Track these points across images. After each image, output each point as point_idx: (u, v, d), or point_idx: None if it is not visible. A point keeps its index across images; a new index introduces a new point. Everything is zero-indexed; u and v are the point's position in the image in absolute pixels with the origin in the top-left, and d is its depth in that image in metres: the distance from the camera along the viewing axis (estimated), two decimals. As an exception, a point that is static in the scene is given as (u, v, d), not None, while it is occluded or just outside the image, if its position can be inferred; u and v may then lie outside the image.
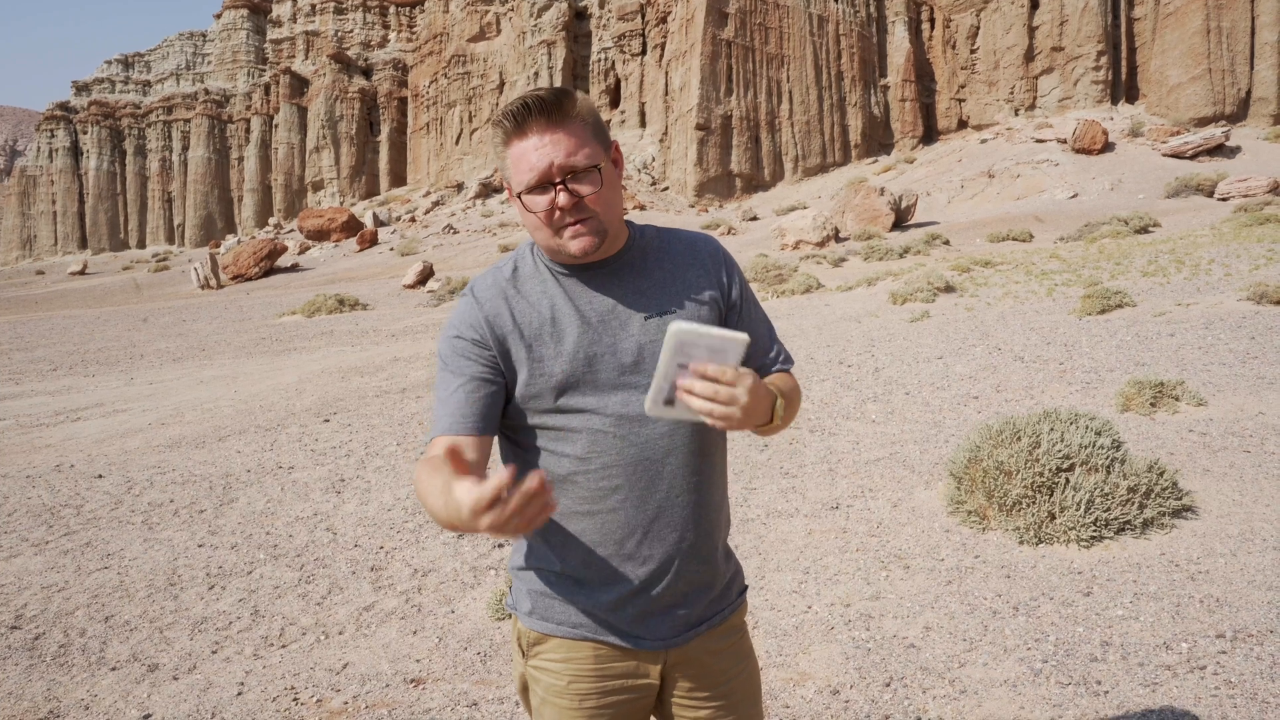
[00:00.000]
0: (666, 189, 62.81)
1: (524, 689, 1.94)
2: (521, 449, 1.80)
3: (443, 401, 1.74)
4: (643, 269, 1.81)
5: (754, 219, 51.41)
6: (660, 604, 1.79)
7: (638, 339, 1.74)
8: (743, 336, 1.50)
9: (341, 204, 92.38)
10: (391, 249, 55.52)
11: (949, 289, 16.79)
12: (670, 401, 1.52)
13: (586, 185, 1.66)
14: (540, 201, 1.65)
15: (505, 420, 1.80)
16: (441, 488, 1.50)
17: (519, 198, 1.68)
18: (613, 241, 1.76)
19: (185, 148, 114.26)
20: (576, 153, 1.64)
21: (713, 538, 1.84)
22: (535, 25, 75.22)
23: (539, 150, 1.63)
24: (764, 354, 1.93)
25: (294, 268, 52.69)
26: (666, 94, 65.43)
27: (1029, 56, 61.25)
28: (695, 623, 1.84)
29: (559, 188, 1.63)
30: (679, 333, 1.48)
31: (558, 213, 1.65)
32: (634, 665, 1.83)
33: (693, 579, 1.82)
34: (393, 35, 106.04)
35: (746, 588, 2.01)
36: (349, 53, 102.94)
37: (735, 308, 1.88)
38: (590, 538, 1.74)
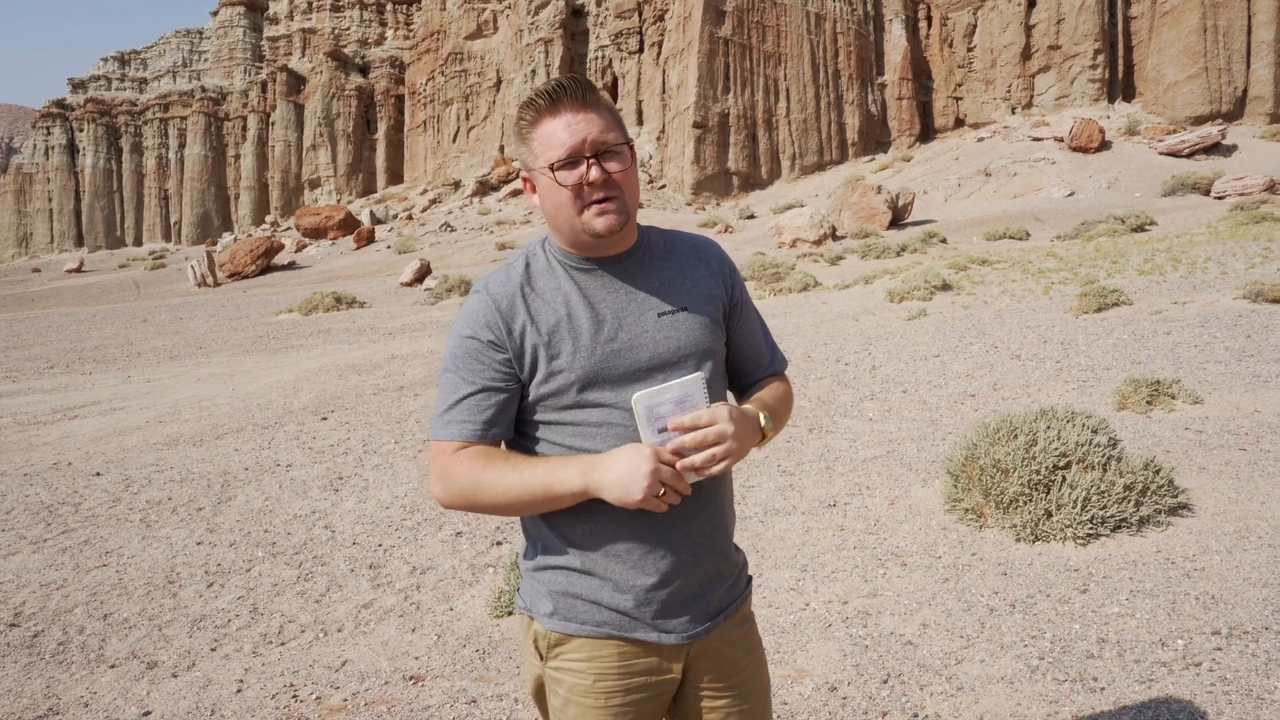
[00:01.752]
0: (664, 187, 62.79)
1: (539, 691, 1.93)
2: (537, 444, 1.81)
3: (453, 405, 1.76)
4: (652, 268, 1.84)
5: (751, 217, 51.44)
6: (681, 595, 1.81)
7: (653, 335, 1.78)
8: (698, 375, 1.66)
9: (338, 202, 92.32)
10: (389, 247, 55.46)
11: (946, 287, 16.82)
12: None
13: (615, 163, 1.70)
14: (570, 176, 1.68)
15: (521, 416, 1.82)
16: (517, 468, 1.69)
17: (552, 172, 1.69)
18: (629, 232, 1.80)
19: (182, 145, 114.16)
20: (608, 131, 1.70)
21: (727, 528, 1.89)
22: (532, 23, 75.17)
23: (572, 126, 1.67)
24: (759, 357, 1.99)
25: (291, 265, 52.62)
26: (664, 92, 65.40)
27: (1026, 55, 61.29)
28: (714, 612, 1.87)
29: (591, 162, 1.67)
30: (640, 400, 1.63)
31: (587, 188, 1.68)
32: (657, 661, 1.84)
33: (710, 569, 1.85)
34: (390, 33, 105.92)
35: (751, 578, 2.05)
36: (346, 50, 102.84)
37: (735, 309, 1.94)
38: (610, 532, 1.76)
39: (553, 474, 1.67)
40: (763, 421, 1.78)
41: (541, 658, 1.88)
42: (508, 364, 1.75)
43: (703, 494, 1.79)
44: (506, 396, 1.76)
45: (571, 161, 1.68)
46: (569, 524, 1.78)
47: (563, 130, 1.67)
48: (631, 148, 1.75)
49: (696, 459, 1.64)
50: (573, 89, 1.69)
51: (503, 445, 1.85)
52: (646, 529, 1.75)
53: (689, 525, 1.79)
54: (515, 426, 1.83)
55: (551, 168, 1.68)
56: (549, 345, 1.73)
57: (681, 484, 1.64)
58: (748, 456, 6.70)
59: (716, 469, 1.65)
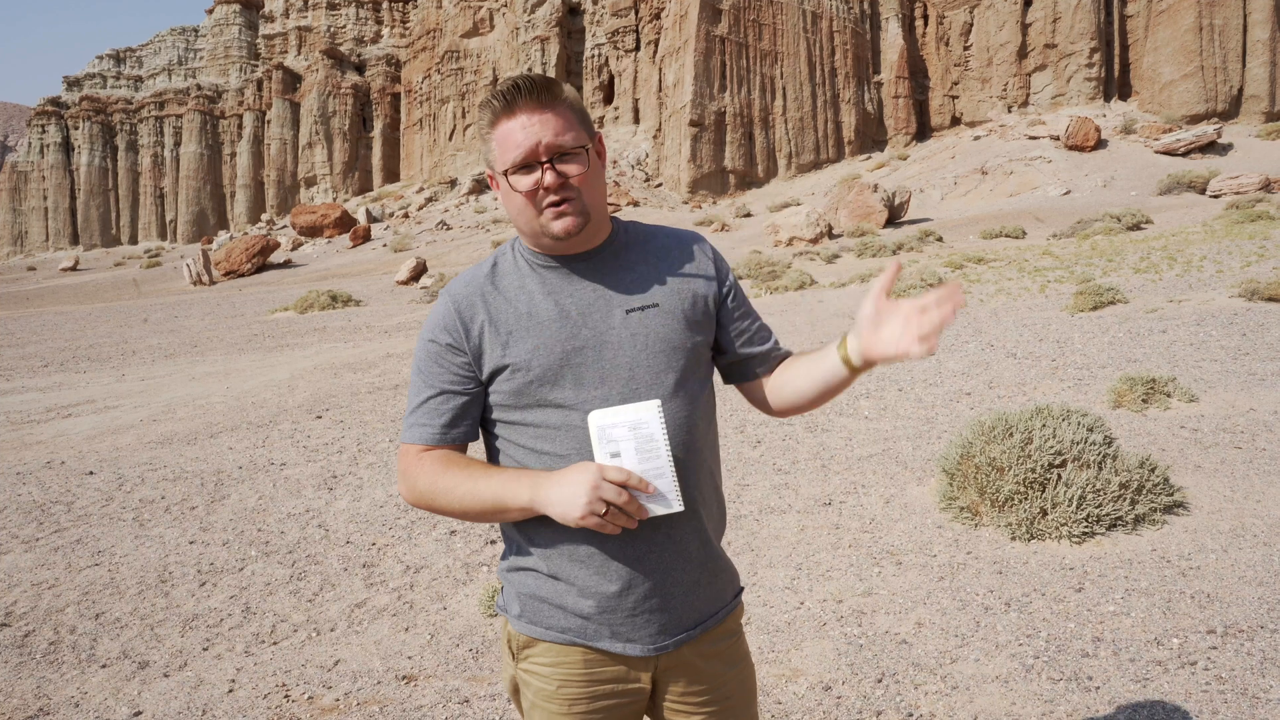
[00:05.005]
0: (660, 185, 62.75)
1: (515, 691, 1.91)
2: (497, 441, 1.78)
3: (416, 408, 1.76)
4: (625, 262, 1.79)
5: (748, 215, 51.43)
6: (647, 604, 1.74)
7: (619, 332, 1.72)
8: (654, 402, 1.61)
9: (334, 200, 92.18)
10: (384, 245, 55.40)
11: (942, 285, 16.82)
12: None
13: (574, 166, 1.66)
14: (525, 181, 1.64)
15: (484, 416, 1.79)
16: (473, 477, 1.66)
17: (505, 177, 1.66)
18: (595, 230, 1.74)
19: (177, 143, 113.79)
20: (564, 133, 1.64)
21: (702, 536, 1.79)
22: (529, 21, 75.07)
23: (526, 129, 1.63)
24: (762, 344, 1.92)
25: (286, 264, 52.54)
26: (660, 90, 65.34)
27: (1022, 53, 61.30)
28: (687, 626, 1.80)
29: (546, 166, 1.63)
30: (594, 419, 1.60)
31: (542, 192, 1.64)
32: (624, 670, 1.79)
33: (681, 579, 1.77)
34: (386, 30, 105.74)
35: (742, 589, 1.97)
36: (342, 48, 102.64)
37: (725, 302, 1.87)
38: (574, 538, 1.70)
39: (505, 487, 1.64)
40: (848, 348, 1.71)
41: (514, 658, 1.86)
42: (467, 367, 1.72)
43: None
44: (466, 400, 1.74)
45: (527, 166, 1.64)
46: (534, 526, 1.74)
47: (518, 133, 1.63)
48: (594, 148, 1.70)
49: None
50: (529, 89, 1.63)
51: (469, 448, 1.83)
52: (609, 537, 1.69)
53: (655, 533, 1.71)
54: (483, 427, 1.81)
55: (506, 173, 1.65)
56: (508, 345, 1.69)
57: (632, 506, 1.59)
58: (741, 454, 6.67)
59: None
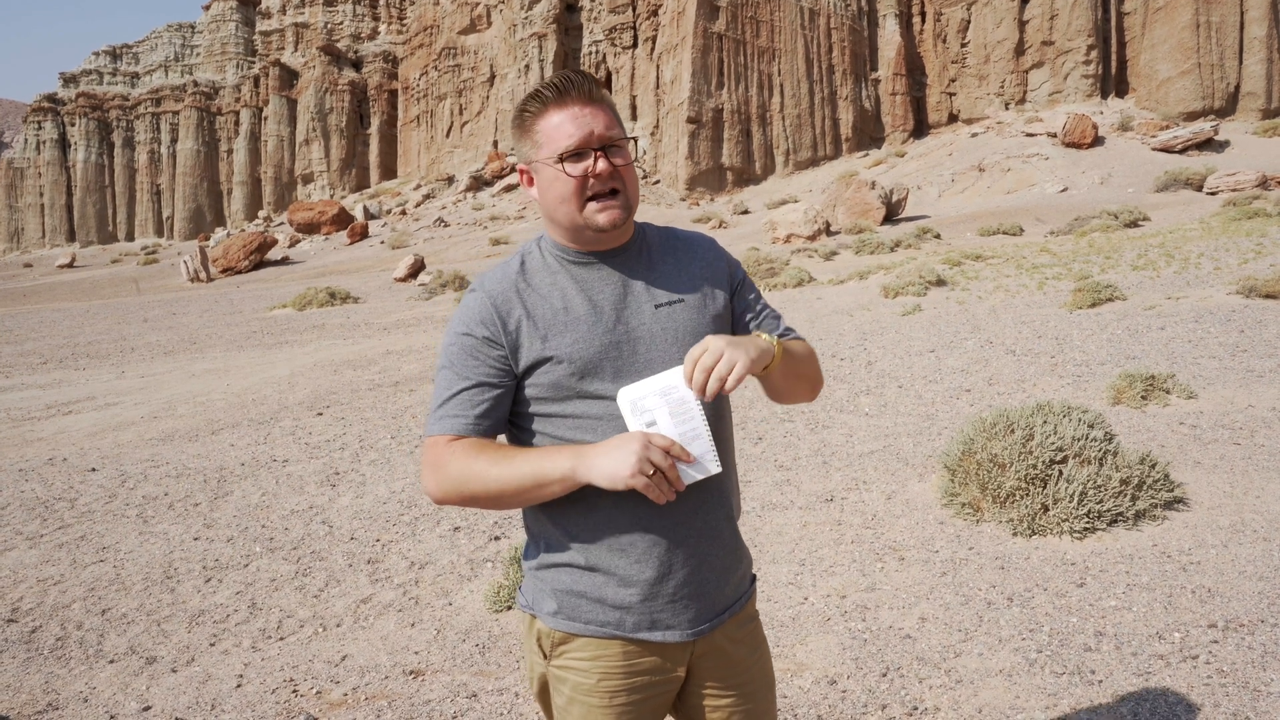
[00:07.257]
0: (658, 182, 62.72)
1: (543, 690, 1.92)
2: (534, 439, 1.80)
3: (446, 401, 1.77)
4: (649, 261, 1.86)
5: (745, 212, 51.43)
6: (685, 590, 1.80)
7: (650, 326, 1.79)
8: (678, 368, 1.65)
9: (331, 197, 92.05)
10: (382, 242, 55.36)
11: (940, 282, 16.84)
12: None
13: (619, 157, 1.74)
14: (578, 168, 1.71)
15: (518, 410, 1.81)
16: (508, 456, 1.68)
17: (559, 163, 1.72)
18: (628, 225, 1.82)
19: (174, 140, 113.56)
20: (613, 127, 1.74)
21: (732, 521, 1.89)
22: (526, 18, 74.94)
23: (579, 119, 1.71)
24: (771, 330, 1.97)
25: (284, 261, 52.49)
26: (658, 87, 65.29)
27: (1019, 50, 61.30)
28: (720, 610, 1.87)
29: (598, 155, 1.71)
30: (624, 395, 1.65)
31: (592, 180, 1.71)
32: (661, 660, 1.84)
33: (715, 563, 1.84)
34: (383, 27, 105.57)
35: (755, 575, 2.04)
36: (339, 45, 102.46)
37: (740, 293, 1.95)
38: (614, 527, 1.75)
39: (543, 460, 1.66)
40: (764, 341, 1.73)
41: (545, 656, 1.87)
42: (503, 360, 1.75)
43: (706, 489, 1.78)
44: (501, 392, 1.77)
45: (578, 154, 1.71)
46: (572, 517, 1.77)
47: (569, 123, 1.70)
48: (633, 142, 1.79)
49: (695, 380, 1.60)
50: (580, 83, 1.73)
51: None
52: (649, 520, 1.74)
53: (692, 517, 1.78)
54: (512, 421, 1.83)
55: (561, 158, 1.71)
56: (546, 338, 1.74)
57: (674, 474, 1.62)
58: (742, 451, 6.65)
59: (731, 382, 1.60)
